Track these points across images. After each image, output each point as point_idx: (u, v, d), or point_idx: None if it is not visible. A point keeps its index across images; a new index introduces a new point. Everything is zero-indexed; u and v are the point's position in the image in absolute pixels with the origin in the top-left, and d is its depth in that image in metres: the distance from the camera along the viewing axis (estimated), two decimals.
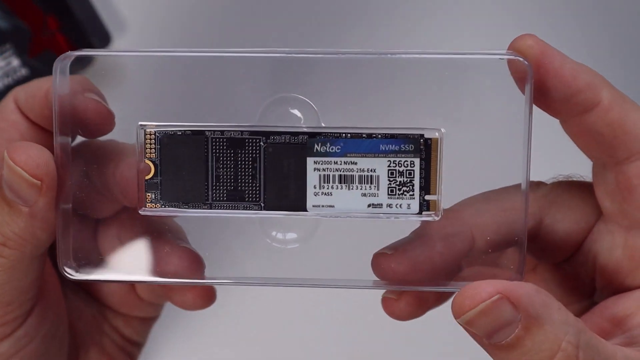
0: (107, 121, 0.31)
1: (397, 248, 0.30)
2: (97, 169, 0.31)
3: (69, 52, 0.30)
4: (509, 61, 0.28)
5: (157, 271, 0.32)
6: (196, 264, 0.32)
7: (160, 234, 0.32)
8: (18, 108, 0.32)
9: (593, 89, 0.28)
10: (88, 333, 0.36)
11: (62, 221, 0.31)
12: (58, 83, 0.30)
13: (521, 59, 0.28)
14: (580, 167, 0.31)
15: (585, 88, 0.28)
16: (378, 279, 0.30)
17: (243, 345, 0.54)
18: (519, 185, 0.29)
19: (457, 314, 0.27)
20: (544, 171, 0.31)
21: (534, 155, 0.28)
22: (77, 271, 0.31)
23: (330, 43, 0.53)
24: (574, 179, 0.32)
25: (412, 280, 0.30)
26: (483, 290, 0.26)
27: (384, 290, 0.32)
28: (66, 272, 0.31)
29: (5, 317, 0.31)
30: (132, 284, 0.36)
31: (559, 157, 0.30)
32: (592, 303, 0.32)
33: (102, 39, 0.54)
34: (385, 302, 0.32)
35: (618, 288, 0.31)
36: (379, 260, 0.30)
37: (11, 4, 0.52)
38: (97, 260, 0.32)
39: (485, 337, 0.26)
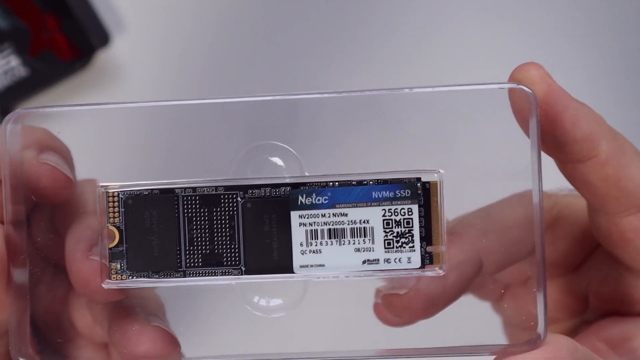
0: (64, 189, 0.28)
1: (409, 286, 0.27)
2: (53, 237, 0.28)
3: (20, 111, 0.27)
4: (510, 91, 0.26)
5: (126, 354, 0.28)
6: (170, 346, 0.28)
7: (131, 310, 0.28)
8: None
9: (591, 140, 0.26)
10: None
11: (16, 303, 0.27)
12: (8, 145, 0.27)
13: (524, 88, 0.25)
14: None
15: (582, 139, 0.26)
16: (381, 349, 0.27)
17: None
18: (521, 196, 0.26)
19: None
20: (549, 179, 0.28)
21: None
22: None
23: (313, 81, 0.51)
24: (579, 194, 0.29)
25: (427, 315, 0.27)
26: None
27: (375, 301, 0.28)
28: None
29: None
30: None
31: None
32: (583, 321, 0.30)
33: (102, 39, 0.53)
34: (378, 308, 0.28)
35: (612, 313, 0.29)
36: (392, 300, 0.27)
37: (11, 3, 0.52)
38: (57, 343, 0.28)
39: None
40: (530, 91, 0.25)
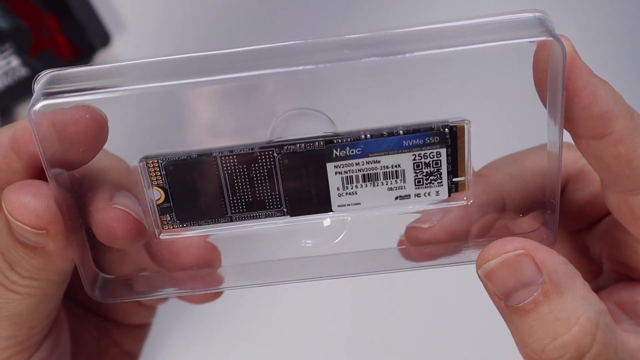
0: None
1: (433, 222, 0.29)
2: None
3: (39, 98, 0.26)
4: (540, 44, 0.25)
5: (174, 266, 0.31)
6: (214, 254, 0.31)
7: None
8: None
9: (607, 119, 0.25)
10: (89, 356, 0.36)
11: (79, 251, 0.29)
12: (35, 128, 0.26)
13: (553, 40, 0.25)
14: None
15: (598, 116, 0.25)
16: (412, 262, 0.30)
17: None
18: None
19: (479, 265, 0.26)
20: None
21: None
22: (103, 293, 0.30)
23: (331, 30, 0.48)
24: None
25: (448, 252, 0.29)
26: (509, 243, 0.26)
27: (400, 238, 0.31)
28: (95, 296, 0.30)
29: (27, 342, 0.31)
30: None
31: None
32: (596, 286, 0.32)
33: (102, 39, 0.52)
34: (402, 243, 0.30)
35: (625, 279, 0.30)
36: (414, 233, 0.29)
37: (11, 3, 0.51)
38: (121, 276, 0.31)
39: (503, 296, 0.26)
40: (561, 44, 0.25)
